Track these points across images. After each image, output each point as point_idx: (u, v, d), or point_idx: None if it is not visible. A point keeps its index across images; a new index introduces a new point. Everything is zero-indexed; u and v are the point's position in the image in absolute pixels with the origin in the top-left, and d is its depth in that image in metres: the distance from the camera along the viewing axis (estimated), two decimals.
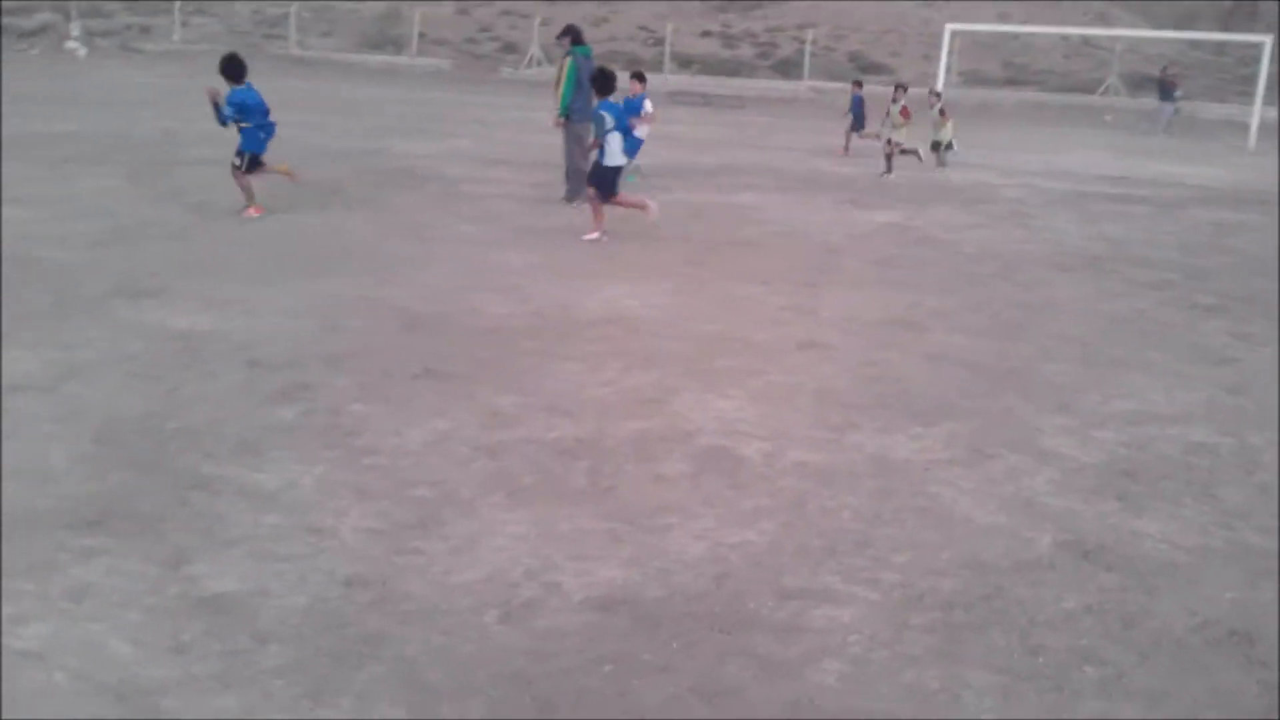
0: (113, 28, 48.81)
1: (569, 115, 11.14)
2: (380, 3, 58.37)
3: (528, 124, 19.82)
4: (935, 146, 17.40)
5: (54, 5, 49.82)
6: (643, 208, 9.55)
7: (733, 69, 40.13)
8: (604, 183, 9.41)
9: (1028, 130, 25.09)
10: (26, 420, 4.47)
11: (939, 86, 21.56)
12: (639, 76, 13.12)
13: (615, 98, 9.89)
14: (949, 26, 26.13)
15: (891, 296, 7.66)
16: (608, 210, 9.42)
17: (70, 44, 43.17)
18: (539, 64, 40.24)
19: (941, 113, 17.53)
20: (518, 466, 4.29)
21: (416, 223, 9.67)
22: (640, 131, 11.50)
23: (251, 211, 9.64)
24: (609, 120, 9.24)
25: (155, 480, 3.96)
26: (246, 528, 3.63)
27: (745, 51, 43.82)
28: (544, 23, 45.51)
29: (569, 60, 11.17)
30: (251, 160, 9.68)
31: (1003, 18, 35.99)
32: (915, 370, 5.88)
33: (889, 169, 15.67)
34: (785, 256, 9.07)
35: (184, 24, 48.32)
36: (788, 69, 37.97)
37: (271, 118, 9.76)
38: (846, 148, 18.85)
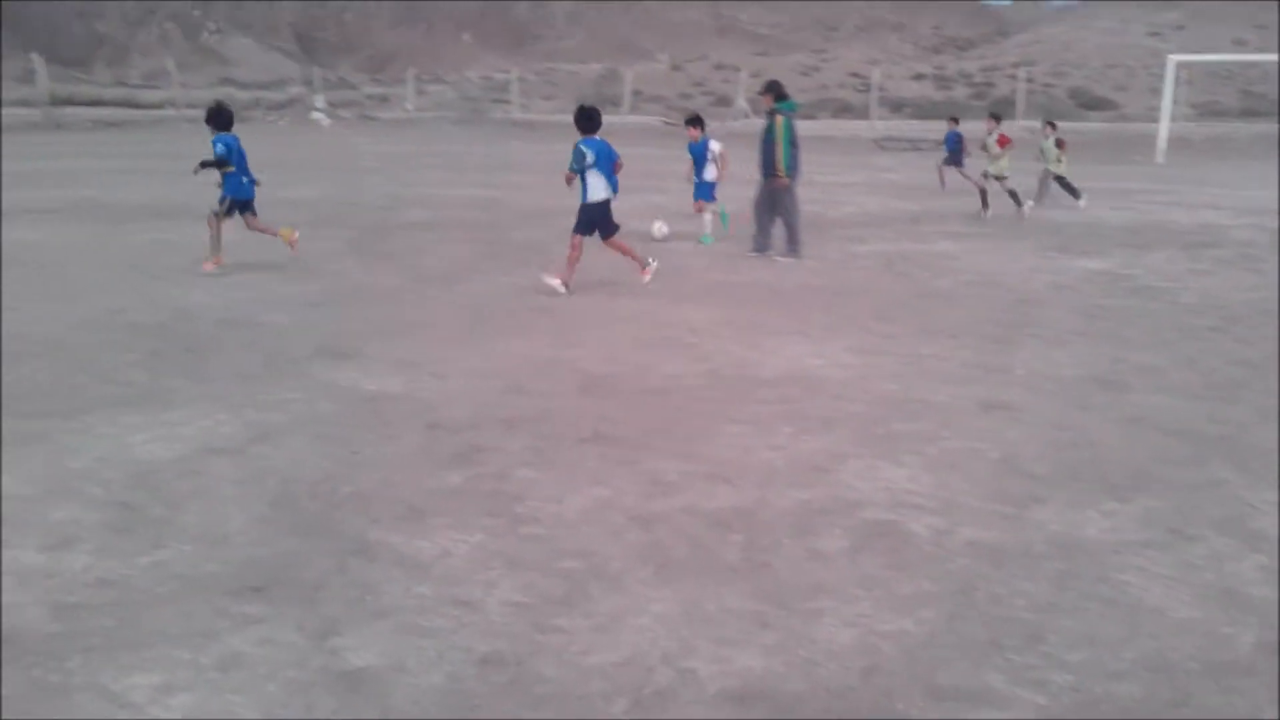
0: (354, 99, 52.83)
1: (790, 174, 11.09)
2: (598, 65, 60.65)
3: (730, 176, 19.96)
4: (1048, 179, 16.88)
5: (303, 79, 54.51)
6: (641, 266, 9.58)
7: (945, 111, 39.07)
8: (587, 222, 9.20)
9: (1264, 165, 23.08)
10: (213, 483, 4.76)
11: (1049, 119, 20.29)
12: (695, 122, 12.94)
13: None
14: (1171, 58, 24.55)
15: (1092, 352, 7.14)
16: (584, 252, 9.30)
17: (315, 114, 46.97)
18: (746, 116, 40.51)
19: (1058, 144, 16.82)
20: (671, 538, 4.20)
21: (605, 280, 9.83)
22: (710, 174, 12.31)
23: (209, 265, 9.90)
24: (589, 156, 9.02)
25: (320, 546, 4.11)
26: (397, 598, 3.70)
27: (959, 93, 42.69)
28: (754, 75, 45.93)
29: (781, 120, 11.00)
30: (232, 205, 9.93)
31: (1238, 45, 33.44)
32: (1112, 436, 5.42)
33: (985, 205, 15.17)
34: (979, 309, 8.65)
35: (420, 92, 51.67)
36: (1004, 109, 36.69)
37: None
38: (942, 182, 19.18)
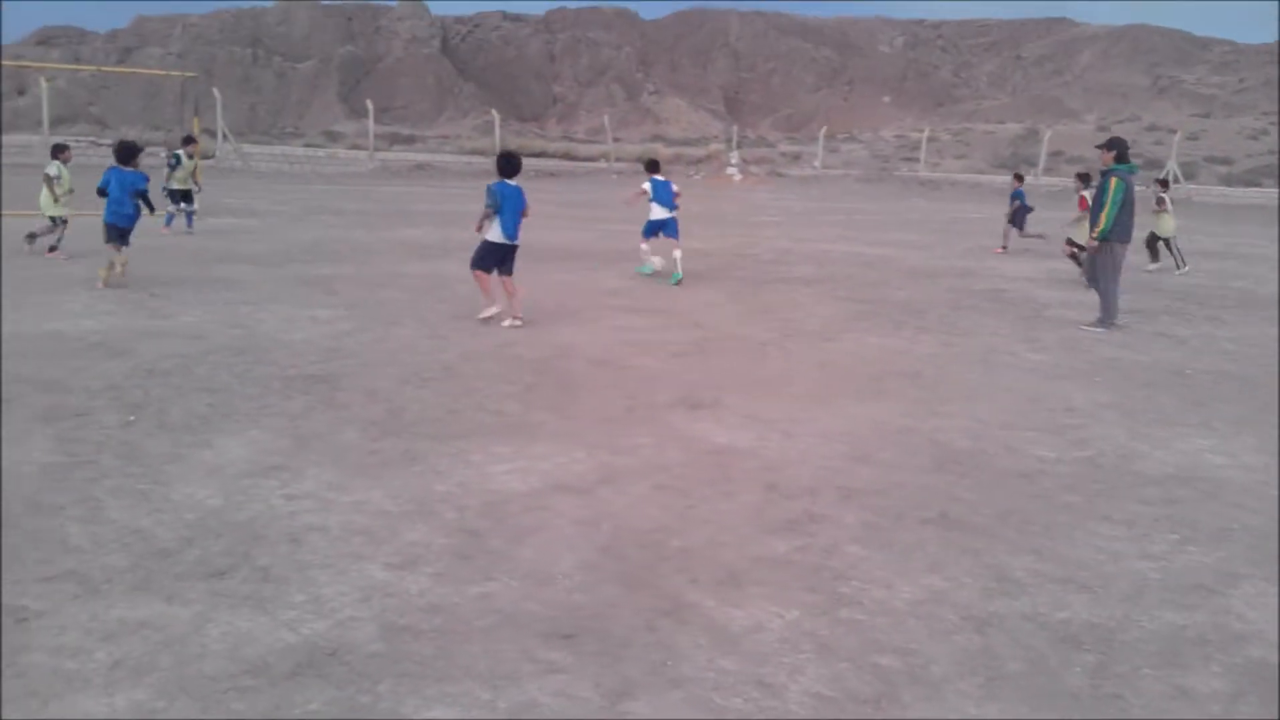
0: (768, 155, 54.48)
1: (1107, 237, 10.27)
2: (1017, 125, 58.15)
3: (1141, 245, 18.22)
4: (1152, 241, 15.35)
5: (724, 136, 57.08)
6: (487, 302, 9.78)
7: None
8: (482, 256, 9.72)
9: None
10: (555, 520, 4.89)
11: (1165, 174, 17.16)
12: (651, 167, 13.74)
13: None
14: None
15: None
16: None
17: (730, 170, 49.01)
18: (1176, 180, 36.99)
19: (1159, 202, 15.09)
20: (1007, 648, 3.72)
21: (986, 347, 9.20)
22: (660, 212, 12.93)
23: (99, 284, 10.56)
24: (495, 198, 9.58)
25: (636, 600, 4.07)
26: (698, 668, 3.55)
27: None
28: (1190, 137, 41.87)
29: (1115, 180, 10.29)
30: (110, 230, 10.76)
31: None
32: None
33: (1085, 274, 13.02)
34: None
35: (831, 150, 52.31)
36: None
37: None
38: (1005, 245, 18.06)
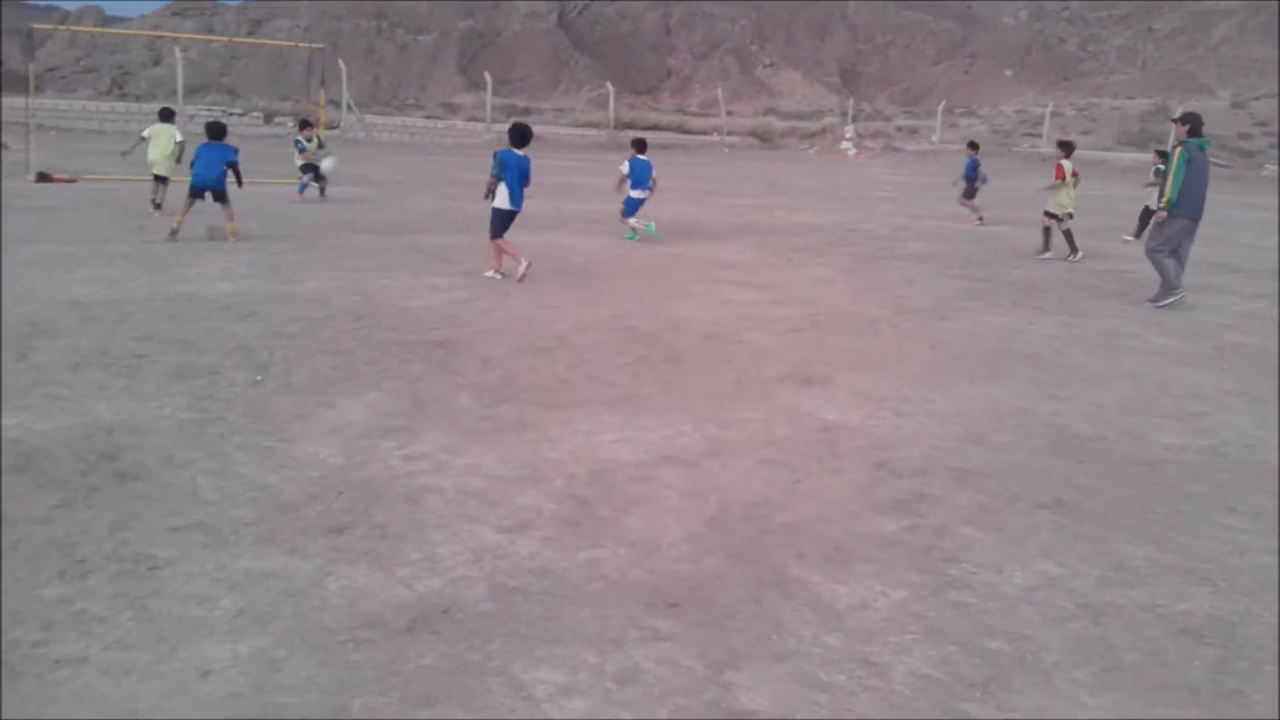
0: (884, 130, 53.37)
1: (1173, 209, 10.30)
2: (1146, 100, 55.81)
3: (1274, 227, 17.40)
4: (1146, 215, 14.50)
5: (840, 110, 56.17)
6: (515, 259, 10.17)
7: None
8: (493, 224, 10.16)
9: None
10: (662, 491, 4.93)
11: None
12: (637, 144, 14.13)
13: None
14: None
15: None
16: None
17: (844, 144, 48.18)
18: None
19: (1157, 174, 14.23)
20: (1123, 637, 3.63)
21: (1109, 330, 8.90)
22: (638, 193, 13.64)
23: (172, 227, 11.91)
24: (499, 165, 10.00)
25: (742, 572, 4.09)
26: (803, 643, 3.56)
27: None
28: None
29: (1179, 151, 10.37)
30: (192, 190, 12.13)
31: None
32: None
33: (1045, 246, 13.53)
34: None
35: (950, 125, 51.03)
36: None
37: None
38: (980, 217, 17.32)
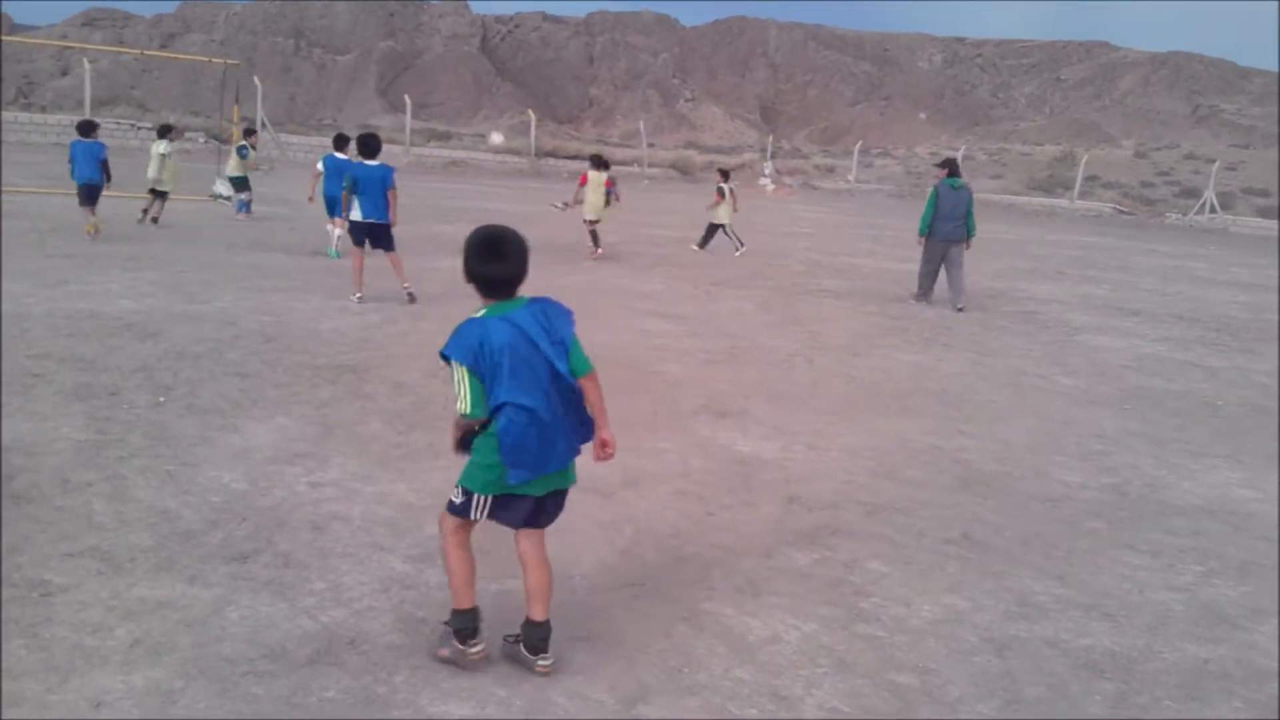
0: (802, 167, 54.32)
1: (928, 235, 12.85)
2: (1054, 147, 57.80)
3: (1176, 273, 18.10)
4: (711, 230, 17.66)
5: (759, 145, 57.01)
6: (354, 288, 10.13)
7: None
8: (357, 236, 10.19)
9: None
10: (576, 520, 4.86)
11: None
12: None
13: None
14: None
15: None
16: None
17: (762, 180, 48.83)
18: (1212, 210, 36.57)
19: (719, 193, 17.53)
20: (1027, 672, 3.69)
21: (1016, 369, 9.13)
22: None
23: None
24: (345, 180, 10.20)
25: (653, 605, 4.06)
26: (714, 676, 3.54)
27: None
28: (1228, 167, 41.43)
29: (931, 190, 12.91)
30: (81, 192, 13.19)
31: None
32: None
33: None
34: None
35: (865, 165, 52.13)
36: None
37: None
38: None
